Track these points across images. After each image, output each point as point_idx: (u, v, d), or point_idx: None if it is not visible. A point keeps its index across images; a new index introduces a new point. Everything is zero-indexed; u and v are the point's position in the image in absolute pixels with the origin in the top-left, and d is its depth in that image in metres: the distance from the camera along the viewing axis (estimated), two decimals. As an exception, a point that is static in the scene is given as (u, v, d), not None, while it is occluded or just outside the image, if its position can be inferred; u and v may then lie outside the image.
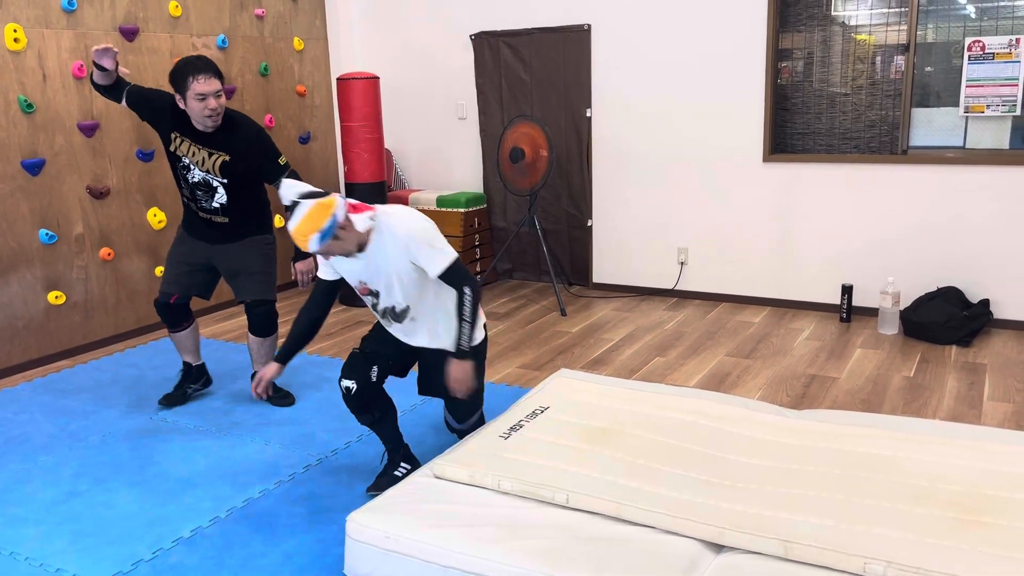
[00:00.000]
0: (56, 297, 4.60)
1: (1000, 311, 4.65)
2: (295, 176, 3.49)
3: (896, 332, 4.66)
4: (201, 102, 3.27)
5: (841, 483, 2.43)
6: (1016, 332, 4.59)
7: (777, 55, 5.05)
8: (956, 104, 4.63)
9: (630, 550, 2.17)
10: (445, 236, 5.92)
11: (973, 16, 4.55)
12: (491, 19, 5.89)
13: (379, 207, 2.66)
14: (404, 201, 6.05)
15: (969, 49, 4.51)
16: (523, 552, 2.16)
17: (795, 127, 5.12)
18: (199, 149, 3.42)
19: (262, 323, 3.71)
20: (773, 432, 2.81)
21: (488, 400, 3.85)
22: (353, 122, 5.42)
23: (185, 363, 3.91)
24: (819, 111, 5.04)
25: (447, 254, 2.64)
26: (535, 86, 5.82)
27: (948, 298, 4.57)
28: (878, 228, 4.89)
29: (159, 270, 5.14)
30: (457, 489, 2.50)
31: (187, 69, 3.26)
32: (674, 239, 5.53)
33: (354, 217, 2.54)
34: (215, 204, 3.51)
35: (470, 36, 5.97)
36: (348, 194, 5.57)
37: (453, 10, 6.02)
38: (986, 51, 4.47)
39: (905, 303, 4.79)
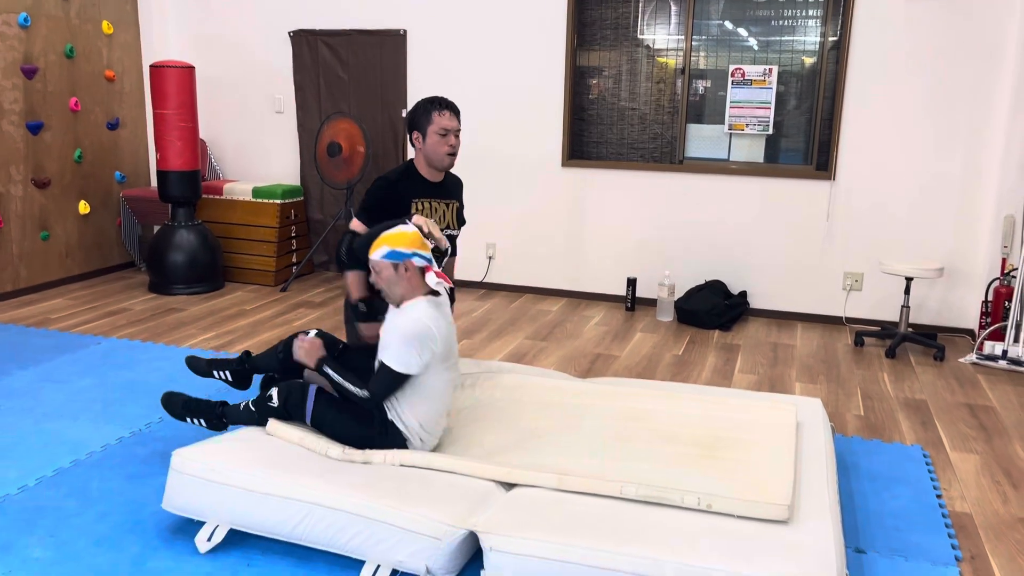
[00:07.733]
0: None
1: (755, 301, 5.42)
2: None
3: (671, 319, 5.30)
4: (443, 138, 3.13)
5: (611, 430, 2.90)
6: (766, 319, 5.37)
7: (576, 71, 5.59)
8: (723, 122, 5.36)
9: (435, 484, 2.49)
10: (261, 227, 6.00)
11: (738, 47, 5.29)
12: (309, 17, 6.05)
13: (433, 298, 2.74)
14: (219, 191, 6.07)
15: (732, 75, 5.24)
16: (343, 484, 2.43)
17: (590, 136, 5.69)
18: (439, 203, 3.24)
19: None
20: (558, 394, 3.24)
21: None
22: (166, 110, 5.41)
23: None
24: (611, 123, 5.63)
25: (395, 359, 2.63)
26: (353, 84, 6.04)
27: (713, 290, 5.27)
28: (658, 227, 5.54)
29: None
30: (287, 446, 2.71)
31: (430, 105, 3.14)
32: (483, 235, 5.94)
33: (425, 276, 2.70)
34: (440, 267, 3.09)
35: (289, 33, 6.10)
36: (161, 182, 5.54)
37: (270, 5, 6.12)
38: (745, 78, 5.22)
39: (679, 294, 5.47)
